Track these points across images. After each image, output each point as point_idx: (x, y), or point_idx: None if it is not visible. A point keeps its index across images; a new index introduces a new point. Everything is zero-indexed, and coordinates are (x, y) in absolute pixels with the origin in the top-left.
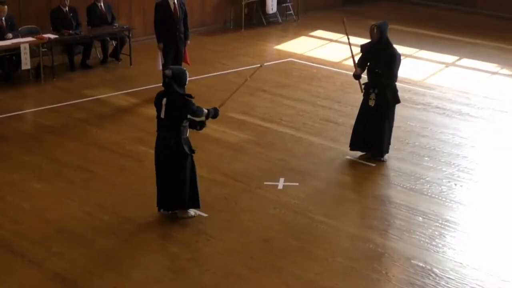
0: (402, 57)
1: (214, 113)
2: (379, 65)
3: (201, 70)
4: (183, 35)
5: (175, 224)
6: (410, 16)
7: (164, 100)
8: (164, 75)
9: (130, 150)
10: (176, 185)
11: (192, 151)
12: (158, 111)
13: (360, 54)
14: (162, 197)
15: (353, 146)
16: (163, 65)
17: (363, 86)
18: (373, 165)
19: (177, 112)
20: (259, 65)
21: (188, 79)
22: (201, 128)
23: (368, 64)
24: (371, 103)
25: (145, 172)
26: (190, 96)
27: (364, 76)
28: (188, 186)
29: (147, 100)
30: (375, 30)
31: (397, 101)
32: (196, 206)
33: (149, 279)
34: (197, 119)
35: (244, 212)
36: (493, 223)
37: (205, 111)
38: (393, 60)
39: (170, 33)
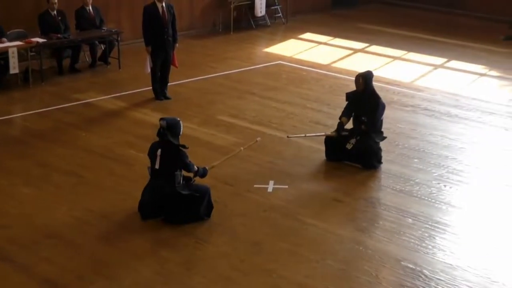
0: (391, 59)
1: (202, 172)
2: (363, 113)
3: (189, 74)
4: (171, 38)
5: (165, 228)
6: (399, 18)
7: (159, 151)
8: (160, 126)
9: (119, 154)
10: (186, 218)
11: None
12: (152, 161)
13: (345, 103)
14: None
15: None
16: (152, 69)
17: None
18: (361, 166)
19: (171, 162)
20: (256, 140)
21: (182, 129)
22: (186, 183)
23: (353, 113)
24: (349, 146)
25: (134, 176)
26: (184, 146)
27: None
28: (198, 205)
29: (136, 103)
30: (360, 80)
31: (379, 160)
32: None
33: (140, 284)
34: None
35: (234, 215)
36: (482, 224)
37: (195, 168)
38: (377, 109)
39: (159, 36)
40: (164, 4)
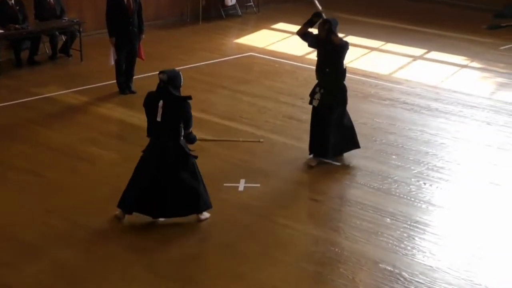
0: (367, 51)
1: (194, 137)
2: (327, 64)
3: (157, 66)
4: (137, 29)
5: (131, 230)
6: (376, 7)
7: (161, 102)
8: (160, 79)
9: (82, 151)
10: (185, 190)
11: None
12: (151, 113)
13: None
14: (160, 205)
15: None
16: (116, 61)
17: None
18: (338, 164)
19: (176, 114)
20: (259, 140)
21: (182, 81)
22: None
23: (317, 62)
24: (315, 103)
25: (98, 175)
26: (189, 98)
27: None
28: (198, 188)
29: (100, 98)
30: (325, 26)
31: (345, 102)
32: (208, 207)
33: None
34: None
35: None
36: (464, 224)
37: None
38: (341, 54)
39: (123, 27)
40: None
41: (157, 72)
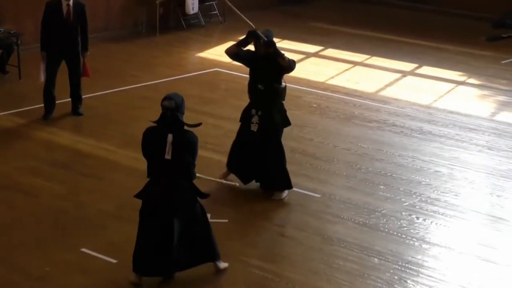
0: (350, 65)
1: (194, 173)
2: (262, 74)
3: (106, 84)
4: (78, 45)
5: (77, 274)
6: (359, 16)
7: (170, 136)
8: (165, 108)
9: (20, 183)
10: (203, 237)
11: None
12: (157, 151)
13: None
14: (175, 257)
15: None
16: (46, 80)
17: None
18: (318, 195)
19: (185, 149)
20: (235, 184)
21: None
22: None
23: (250, 79)
24: (253, 127)
25: (39, 210)
26: (199, 124)
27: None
28: (211, 233)
29: (41, 121)
30: (269, 49)
31: (287, 123)
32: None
33: None
34: None
35: None
36: (463, 265)
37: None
38: (289, 70)
39: (58, 41)
40: (71, 2)
41: (106, 92)
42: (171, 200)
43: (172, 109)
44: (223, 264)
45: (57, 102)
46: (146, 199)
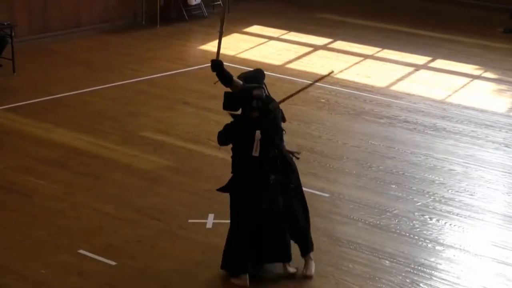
0: (360, 58)
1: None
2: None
3: (104, 79)
4: None
5: (74, 276)
6: (369, 7)
7: (258, 134)
8: (256, 98)
9: (13, 182)
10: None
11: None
12: (244, 147)
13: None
14: (268, 249)
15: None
16: None
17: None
18: (326, 195)
19: (271, 138)
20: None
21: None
22: None
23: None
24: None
25: (34, 211)
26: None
27: None
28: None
29: (36, 117)
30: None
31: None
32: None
33: None
34: None
35: (163, 259)
36: (479, 267)
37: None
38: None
39: None
40: None
41: (103, 86)
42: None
43: (262, 99)
44: (289, 268)
45: (52, 97)
46: (226, 190)
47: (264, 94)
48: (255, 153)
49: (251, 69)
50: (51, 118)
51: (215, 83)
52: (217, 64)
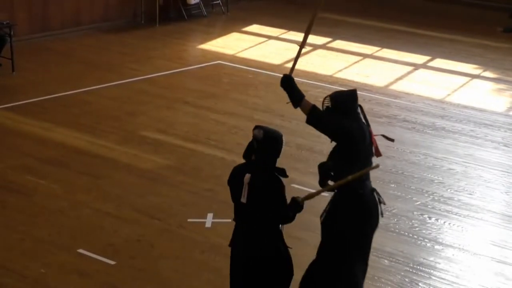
0: (359, 58)
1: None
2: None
3: (104, 78)
4: None
5: (74, 276)
6: (368, 6)
7: (248, 177)
8: (253, 137)
9: (13, 181)
10: None
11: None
12: (236, 193)
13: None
14: None
15: None
16: None
17: None
18: (326, 195)
19: (263, 197)
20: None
21: (282, 148)
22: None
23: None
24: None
25: (34, 210)
26: (283, 173)
27: None
28: None
29: (36, 116)
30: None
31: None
32: None
33: None
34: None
35: (163, 258)
36: (478, 267)
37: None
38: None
39: None
40: None
41: (102, 86)
42: (245, 253)
43: (258, 140)
44: None
45: (51, 96)
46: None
47: (261, 135)
48: (243, 199)
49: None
50: (50, 117)
51: (287, 103)
52: (287, 79)
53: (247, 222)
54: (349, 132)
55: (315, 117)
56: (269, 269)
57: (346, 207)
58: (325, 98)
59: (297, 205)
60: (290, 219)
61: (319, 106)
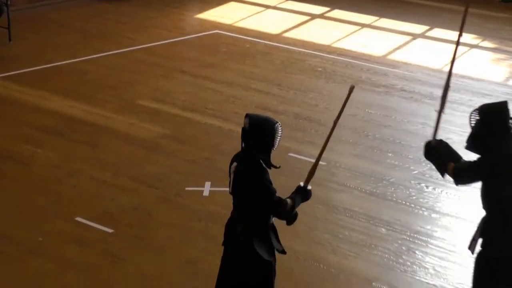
0: (358, 27)
1: (302, 198)
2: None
3: (99, 47)
4: None
5: (71, 244)
6: None
7: (234, 165)
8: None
9: (10, 150)
10: None
11: (272, 255)
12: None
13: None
14: None
15: None
16: None
17: None
18: (323, 163)
19: (248, 191)
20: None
21: (278, 139)
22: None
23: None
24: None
25: (31, 179)
26: (269, 165)
27: None
28: None
29: (32, 85)
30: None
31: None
32: None
33: None
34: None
35: (160, 226)
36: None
37: (288, 203)
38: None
39: None
40: None
41: (100, 55)
42: (227, 243)
43: (244, 128)
44: None
45: (49, 65)
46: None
47: (247, 125)
48: (229, 188)
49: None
50: (48, 86)
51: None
52: (431, 148)
53: (234, 212)
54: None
55: (460, 180)
56: (244, 272)
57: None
58: (472, 113)
59: (305, 192)
60: (285, 213)
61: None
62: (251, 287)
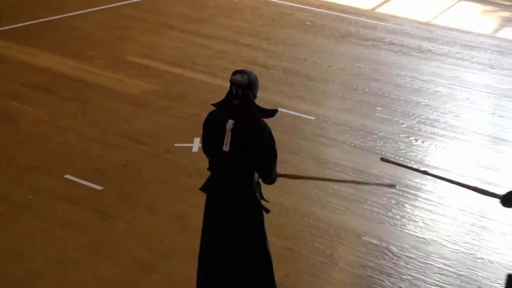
0: None
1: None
2: None
3: (87, 2)
4: None
5: (61, 201)
6: None
7: (231, 123)
8: (235, 83)
9: None
10: (258, 265)
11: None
12: (215, 140)
13: None
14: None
15: None
16: None
17: None
18: (312, 118)
19: (250, 145)
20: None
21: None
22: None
23: None
24: None
25: (19, 136)
26: (271, 113)
27: None
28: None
29: (19, 41)
30: None
31: None
32: None
33: (31, 274)
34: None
35: (149, 183)
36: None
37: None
38: None
39: None
40: None
41: (87, 10)
42: (222, 204)
43: (244, 86)
44: None
45: (36, 21)
46: (202, 189)
47: (247, 81)
48: (226, 147)
49: None
50: (36, 42)
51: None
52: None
53: (227, 171)
54: None
55: None
56: (243, 221)
57: None
58: None
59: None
60: (272, 175)
61: None
62: (249, 236)
